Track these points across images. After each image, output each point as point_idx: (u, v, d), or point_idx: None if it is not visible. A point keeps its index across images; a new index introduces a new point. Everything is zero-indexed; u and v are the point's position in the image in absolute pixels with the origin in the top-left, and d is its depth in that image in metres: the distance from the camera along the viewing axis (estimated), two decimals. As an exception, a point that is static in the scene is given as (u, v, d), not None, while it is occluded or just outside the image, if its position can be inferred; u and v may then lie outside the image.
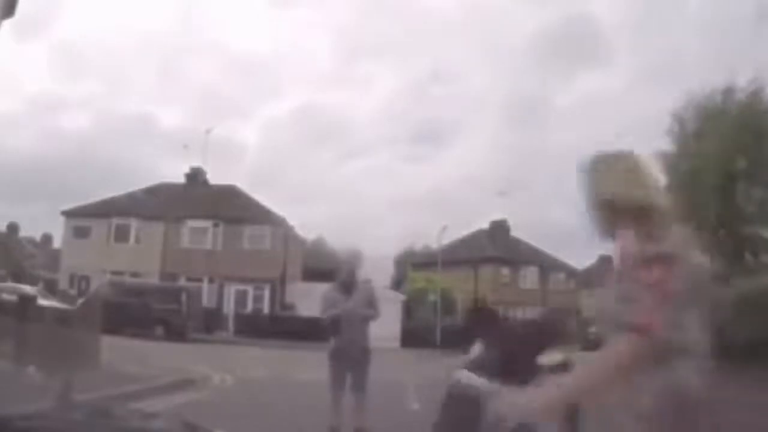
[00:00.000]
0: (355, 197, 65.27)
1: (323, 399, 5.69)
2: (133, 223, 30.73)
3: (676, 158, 16.79)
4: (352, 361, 5.50)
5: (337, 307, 5.49)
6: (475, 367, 2.09)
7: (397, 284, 39.92)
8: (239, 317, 28.66)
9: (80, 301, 14.26)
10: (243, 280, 30.00)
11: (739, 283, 12.18)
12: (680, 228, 1.75)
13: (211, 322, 26.20)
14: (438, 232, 35.26)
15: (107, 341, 10.25)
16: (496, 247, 39.58)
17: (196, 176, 33.56)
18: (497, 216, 41.17)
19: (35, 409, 1.89)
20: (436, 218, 63.78)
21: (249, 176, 69.52)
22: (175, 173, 39.29)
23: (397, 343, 26.68)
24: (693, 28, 56.74)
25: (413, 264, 41.72)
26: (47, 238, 41.72)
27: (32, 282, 24.74)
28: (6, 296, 12.32)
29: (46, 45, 60.28)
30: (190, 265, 29.81)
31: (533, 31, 67.90)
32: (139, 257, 29.65)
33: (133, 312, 20.66)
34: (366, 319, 5.63)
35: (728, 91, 17.11)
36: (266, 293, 30.40)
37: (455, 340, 19.55)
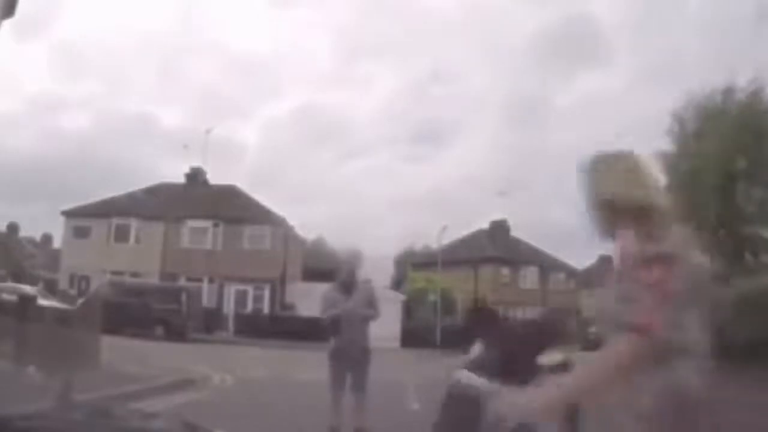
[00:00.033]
0: (355, 197, 65.37)
1: (323, 399, 5.69)
2: (133, 223, 30.73)
3: (676, 158, 16.79)
4: (352, 361, 5.50)
5: (337, 307, 5.49)
6: (476, 367, 2.08)
7: (397, 284, 39.93)
8: (239, 317, 28.66)
9: (80, 301, 14.26)
10: (243, 280, 30.00)
11: (739, 283, 12.17)
12: (680, 228, 1.75)
13: (211, 322, 26.20)
14: (438, 232, 35.33)
15: (107, 341, 10.25)
16: (496, 247, 39.58)
17: (196, 176, 33.56)
18: (497, 216, 41.26)
19: (35, 409, 1.89)
20: (436, 218, 63.86)
21: (249, 176, 69.63)
22: (175, 173, 39.37)
23: (397, 343, 26.68)
24: (693, 28, 56.82)
25: (413, 264, 41.72)
26: (47, 238, 41.73)
27: (32, 282, 24.75)
28: (6, 296, 12.33)
29: (46, 45, 60.39)
30: (190, 265, 29.81)
31: (533, 31, 68.01)
32: (139, 257, 29.65)
33: (133, 312, 20.66)
34: (366, 319, 5.63)
35: (728, 91, 17.12)
36: (266, 293, 30.41)
37: (455, 340, 19.56)
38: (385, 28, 68.56)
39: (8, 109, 46.91)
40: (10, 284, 19.95)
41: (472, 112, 67.95)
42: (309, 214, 71.25)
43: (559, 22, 68.35)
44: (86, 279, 28.84)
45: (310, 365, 10.52)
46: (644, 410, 1.63)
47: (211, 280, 29.98)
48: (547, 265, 41.18)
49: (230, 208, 31.32)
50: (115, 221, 30.69)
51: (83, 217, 31.35)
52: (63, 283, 29.64)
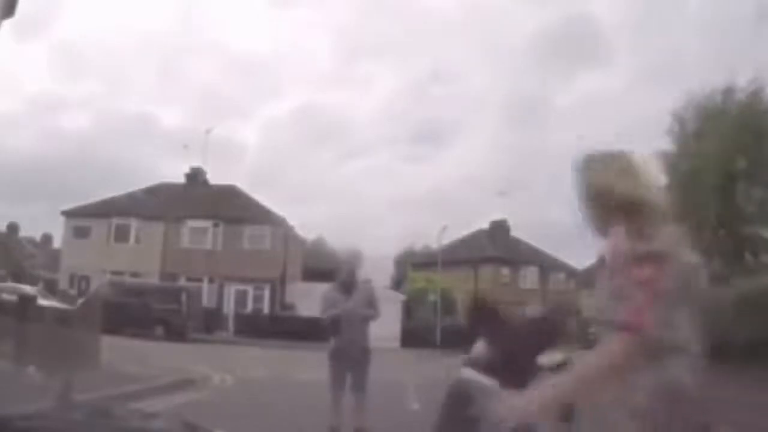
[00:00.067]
0: (355, 197, 65.34)
1: (323, 399, 5.69)
2: (133, 223, 30.74)
3: (676, 158, 16.78)
4: (352, 361, 5.50)
5: (338, 307, 5.49)
6: (478, 365, 2.07)
7: (397, 284, 39.94)
8: (239, 317, 28.66)
9: (80, 301, 14.28)
10: (243, 280, 30.00)
11: (739, 283, 12.17)
12: (672, 226, 1.76)
13: (211, 322, 26.20)
14: (438, 232, 35.33)
15: (107, 341, 10.25)
16: (496, 247, 39.59)
17: (196, 176, 33.56)
18: (497, 216, 41.25)
19: (35, 409, 1.89)
20: (436, 218, 63.81)
21: (249, 176, 69.58)
22: (175, 173, 39.36)
23: (397, 343, 26.68)
24: (693, 28, 56.77)
25: (413, 264, 41.72)
26: (47, 238, 41.72)
27: (32, 282, 24.76)
28: (6, 296, 12.33)
29: (46, 45, 60.32)
30: (190, 265, 29.82)
31: (533, 31, 67.94)
32: (139, 257, 29.66)
33: (133, 312, 20.66)
34: (366, 319, 5.63)
35: (728, 91, 17.10)
36: (266, 293, 30.41)
37: (455, 340, 19.56)
38: (385, 28, 68.61)
39: (8, 109, 46.99)
40: (10, 284, 19.97)
41: (472, 112, 67.98)
42: (309, 214, 71.31)
43: (559, 22, 68.37)
44: (86, 279, 28.84)
45: (310, 365, 10.52)
46: (638, 408, 1.63)
47: (211, 280, 29.98)
48: (547, 265, 41.18)
49: (230, 208, 31.33)
50: (115, 221, 30.70)
51: (83, 217, 31.35)
52: (63, 283, 29.65)
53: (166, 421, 2.13)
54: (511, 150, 66.07)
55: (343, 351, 5.49)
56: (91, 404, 4.00)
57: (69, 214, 31.56)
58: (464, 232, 42.14)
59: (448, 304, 31.44)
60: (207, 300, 28.29)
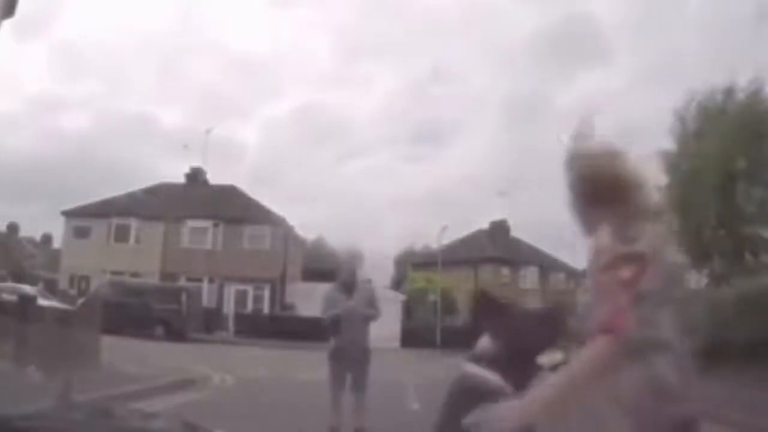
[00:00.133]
0: (355, 197, 65.33)
1: (323, 399, 5.69)
2: (133, 223, 30.74)
3: (676, 158, 16.79)
4: (352, 361, 5.50)
5: (338, 307, 5.49)
6: (484, 360, 2.07)
7: (397, 284, 39.96)
8: (239, 317, 28.66)
9: (80, 301, 14.30)
10: (243, 280, 30.01)
11: (739, 283, 12.16)
12: (655, 226, 1.76)
13: (211, 322, 26.20)
14: (438, 232, 35.30)
15: (107, 341, 10.25)
16: (496, 247, 39.59)
17: (196, 176, 33.57)
18: (497, 216, 41.26)
19: (35, 409, 1.89)
20: (436, 218, 63.67)
21: (249, 176, 69.41)
22: (175, 173, 39.30)
23: (397, 343, 26.67)
24: (693, 28, 56.68)
25: (413, 264, 41.72)
26: (47, 238, 41.73)
27: (32, 282, 24.79)
28: (6, 296, 12.35)
29: (46, 45, 60.32)
30: (190, 265, 29.82)
31: (533, 31, 67.91)
32: (139, 257, 29.66)
33: (133, 312, 20.65)
34: (367, 319, 5.62)
35: (728, 91, 17.13)
36: (266, 293, 30.42)
37: (455, 339, 19.54)
38: (385, 28, 68.57)
39: (8, 109, 46.85)
40: (10, 284, 20.01)
41: (472, 112, 67.86)
42: (309, 214, 71.07)
43: (559, 22, 68.48)
44: (86, 279, 28.85)
45: (310, 365, 10.52)
46: (624, 407, 1.64)
47: (211, 280, 29.99)
48: (547, 265, 41.17)
49: (230, 208, 31.34)
50: (115, 221, 30.70)
51: (83, 217, 31.35)
52: (63, 283, 29.65)
53: (166, 421, 2.13)
54: (511, 150, 66.00)
55: (343, 351, 5.48)
56: (91, 404, 4.00)
57: (69, 214, 31.56)
58: (464, 232, 42.16)
59: (448, 304, 31.45)
60: (207, 300, 28.29)
